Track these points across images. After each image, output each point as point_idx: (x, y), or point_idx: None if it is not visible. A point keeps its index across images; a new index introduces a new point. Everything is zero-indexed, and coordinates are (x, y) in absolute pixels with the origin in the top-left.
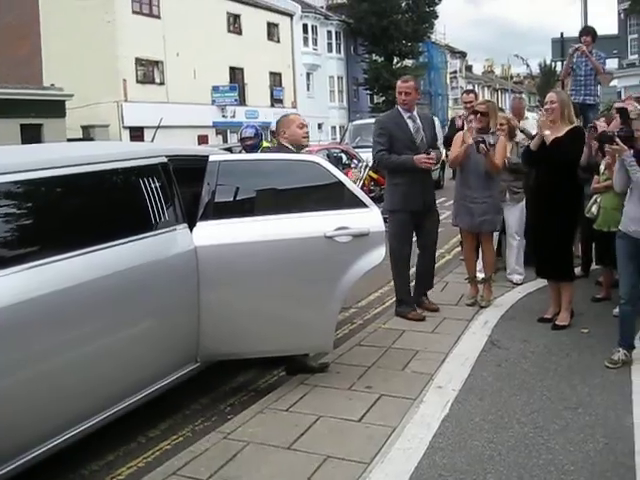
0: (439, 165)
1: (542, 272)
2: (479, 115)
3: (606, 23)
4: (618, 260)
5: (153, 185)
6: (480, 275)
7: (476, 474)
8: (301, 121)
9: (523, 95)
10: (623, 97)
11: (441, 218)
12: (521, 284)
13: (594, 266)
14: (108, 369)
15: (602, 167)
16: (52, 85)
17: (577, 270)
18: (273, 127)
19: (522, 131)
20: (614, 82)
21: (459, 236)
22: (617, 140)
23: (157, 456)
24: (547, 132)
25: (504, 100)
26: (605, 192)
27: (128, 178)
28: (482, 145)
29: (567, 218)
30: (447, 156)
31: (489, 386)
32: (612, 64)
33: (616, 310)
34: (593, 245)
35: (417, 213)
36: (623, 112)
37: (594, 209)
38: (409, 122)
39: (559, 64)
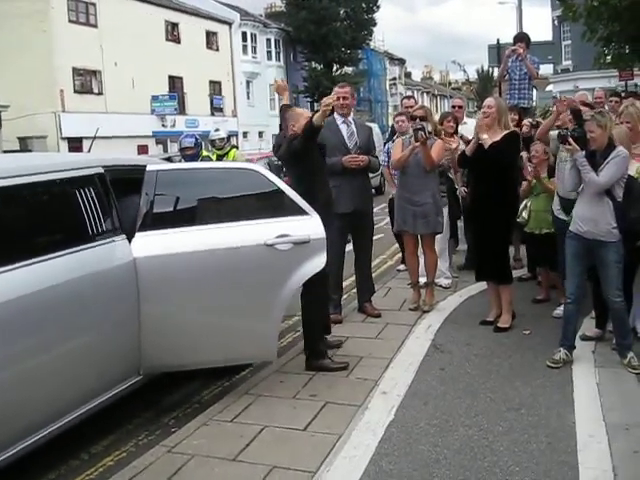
0: (380, 172)
1: (481, 275)
2: (418, 120)
3: (540, 30)
4: (567, 260)
5: (89, 196)
6: (422, 279)
7: (422, 478)
8: (309, 114)
9: (462, 99)
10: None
11: (382, 224)
12: (449, 287)
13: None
14: (46, 385)
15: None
16: None
17: (524, 272)
18: (212, 136)
19: (461, 137)
20: (550, 87)
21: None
22: (570, 140)
23: (100, 472)
24: (485, 136)
25: (443, 106)
26: (534, 195)
27: (63, 189)
28: (421, 132)
29: (503, 221)
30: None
31: (433, 390)
32: (547, 70)
33: (556, 311)
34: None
35: (349, 217)
36: (577, 113)
37: (525, 214)
38: (342, 127)
39: (496, 70)
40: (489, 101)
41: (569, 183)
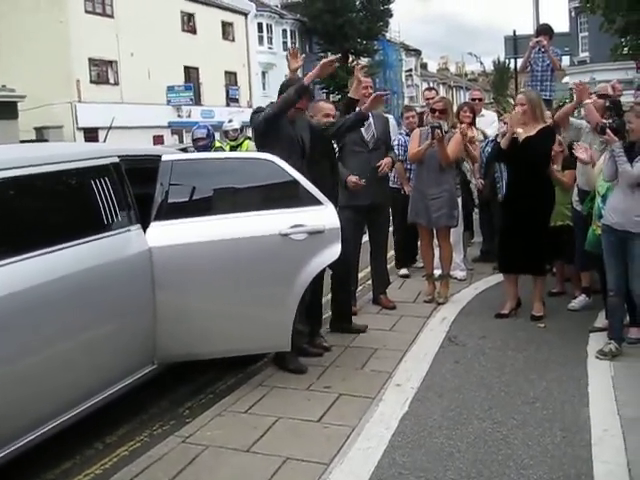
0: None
1: (512, 268)
2: (437, 113)
3: (557, 21)
4: (603, 253)
5: (105, 186)
6: (437, 272)
7: (436, 471)
8: (327, 111)
9: (481, 91)
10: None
11: None
12: (465, 280)
13: None
14: (61, 374)
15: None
16: (3, 86)
17: None
18: (226, 127)
19: (483, 132)
20: (566, 79)
21: None
22: (608, 131)
23: (114, 462)
24: (520, 130)
25: (459, 97)
26: None
27: (79, 179)
28: (437, 130)
29: (540, 213)
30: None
31: (448, 383)
32: (564, 61)
33: (571, 304)
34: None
35: (366, 210)
36: (617, 104)
37: None
38: None
39: (513, 61)
40: (520, 98)
41: (607, 173)
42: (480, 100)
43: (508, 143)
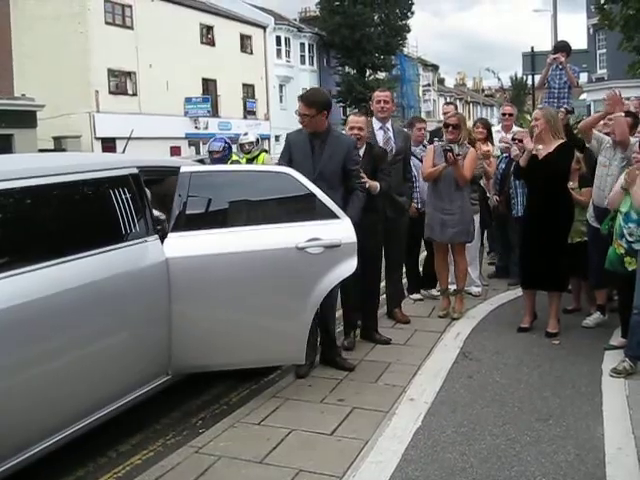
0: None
1: (534, 284)
2: (450, 128)
3: (575, 38)
4: (637, 271)
5: (123, 196)
6: (452, 287)
7: None
8: (351, 124)
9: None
10: (593, 111)
11: None
12: (480, 295)
13: None
14: (76, 383)
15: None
16: (23, 95)
17: None
18: (241, 140)
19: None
20: (583, 95)
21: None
22: None
23: (128, 471)
24: (540, 147)
25: (476, 113)
26: None
27: (98, 189)
28: (450, 154)
29: (559, 229)
30: None
31: (461, 398)
32: (582, 78)
33: (585, 321)
34: None
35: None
36: None
37: None
38: (379, 133)
39: (530, 78)
40: (536, 113)
41: None
42: (511, 115)
43: (527, 160)
